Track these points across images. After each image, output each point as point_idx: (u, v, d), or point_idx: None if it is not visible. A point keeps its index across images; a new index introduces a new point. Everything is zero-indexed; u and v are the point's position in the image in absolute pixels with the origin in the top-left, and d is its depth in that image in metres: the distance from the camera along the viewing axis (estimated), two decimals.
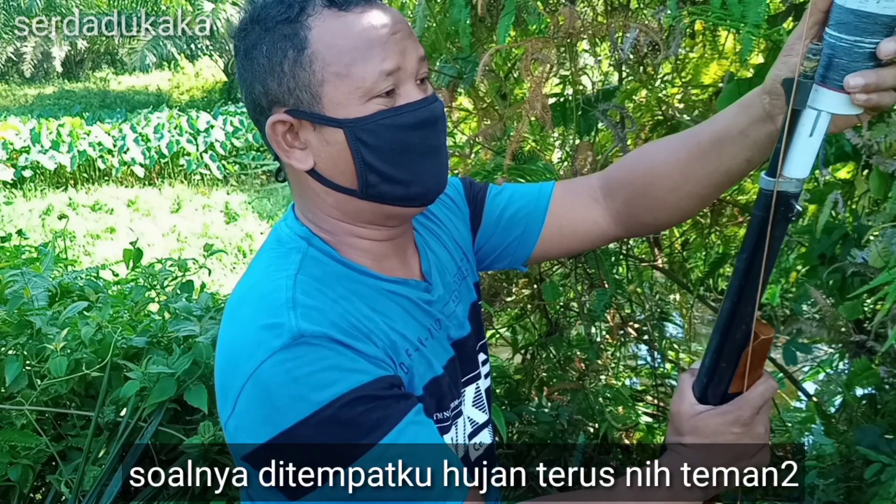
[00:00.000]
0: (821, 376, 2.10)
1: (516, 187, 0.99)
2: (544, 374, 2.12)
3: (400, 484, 0.66)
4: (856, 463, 1.45)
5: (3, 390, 1.74)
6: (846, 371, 1.78)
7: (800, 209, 0.62)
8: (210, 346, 1.65)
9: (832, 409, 1.81)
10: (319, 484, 0.67)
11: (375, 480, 0.66)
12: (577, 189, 0.96)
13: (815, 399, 1.90)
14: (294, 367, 0.67)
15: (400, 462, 0.66)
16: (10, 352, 1.75)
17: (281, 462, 0.68)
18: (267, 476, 0.70)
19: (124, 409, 1.71)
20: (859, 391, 1.66)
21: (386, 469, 0.66)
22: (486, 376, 0.94)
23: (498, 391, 2.07)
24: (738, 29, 1.07)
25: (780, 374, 2.10)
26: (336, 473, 0.66)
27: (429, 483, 0.67)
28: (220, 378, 0.73)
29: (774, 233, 0.63)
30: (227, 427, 0.72)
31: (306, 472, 0.67)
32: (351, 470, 0.66)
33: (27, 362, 1.74)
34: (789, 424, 2.05)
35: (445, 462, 0.70)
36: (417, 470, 0.67)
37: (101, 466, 1.65)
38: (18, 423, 1.70)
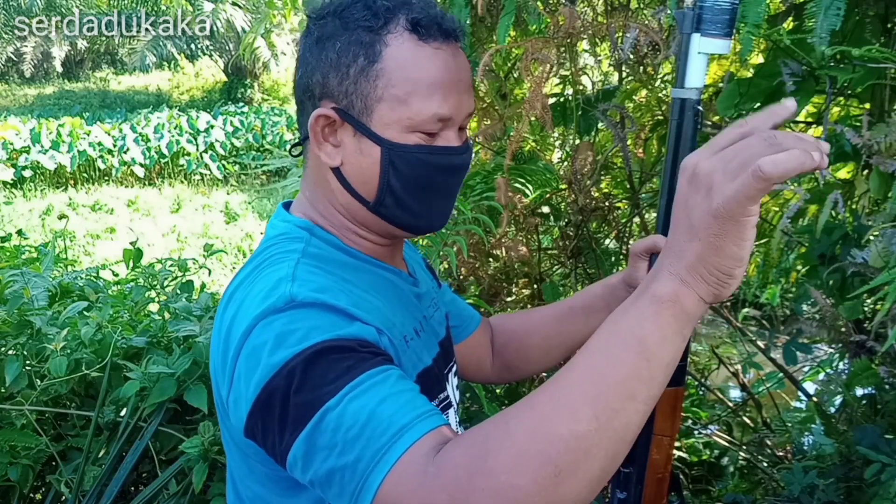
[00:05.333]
0: (821, 376, 2.10)
1: (454, 297, 1.12)
2: (544, 374, 2.12)
3: (359, 428, 0.62)
4: (856, 463, 1.45)
5: (3, 390, 1.74)
6: (846, 371, 1.78)
7: (702, 110, 0.80)
8: (210, 346, 1.65)
9: (832, 409, 1.81)
10: (296, 435, 0.64)
11: (339, 423, 0.62)
12: (485, 341, 1.13)
13: (815, 399, 1.90)
14: (279, 325, 0.67)
15: (362, 401, 0.63)
16: (10, 352, 1.75)
17: (266, 425, 0.66)
18: (264, 441, 0.68)
19: (124, 409, 1.71)
20: (859, 391, 1.66)
21: (348, 407, 0.62)
22: (456, 386, 0.97)
23: (498, 391, 2.07)
24: (738, 29, 1.07)
25: (780, 374, 2.10)
26: (308, 420, 0.63)
27: (386, 425, 0.62)
28: (222, 354, 0.73)
29: (689, 133, 0.80)
30: (229, 405, 0.72)
31: (283, 426, 0.65)
32: (320, 413, 0.63)
33: (27, 362, 1.74)
34: (789, 424, 2.05)
35: (412, 400, 0.65)
36: (377, 413, 0.62)
37: (101, 466, 1.65)
38: (18, 423, 1.70)
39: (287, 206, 0.89)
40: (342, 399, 0.63)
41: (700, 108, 0.80)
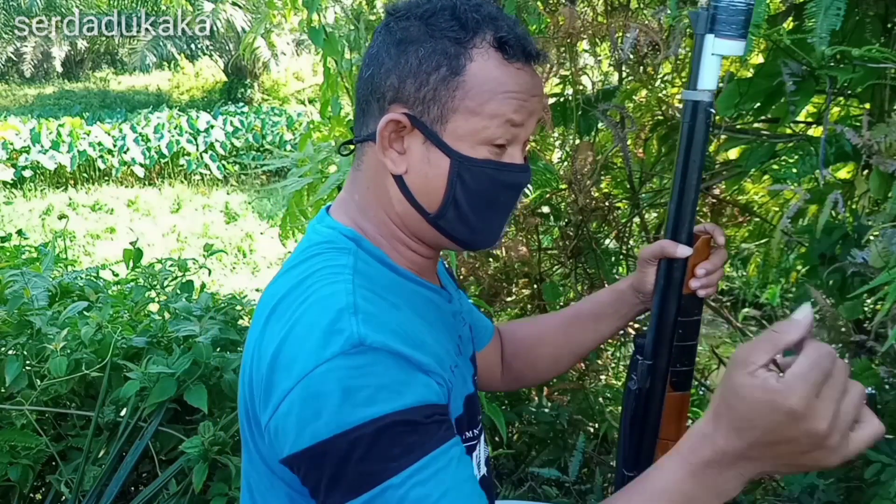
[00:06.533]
0: None
1: (471, 306, 1.11)
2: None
3: None
4: (856, 463, 1.45)
5: (3, 390, 1.74)
6: None
7: (714, 112, 0.79)
8: (210, 346, 1.65)
9: None
10: (349, 498, 0.65)
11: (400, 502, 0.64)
12: (497, 352, 1.13)
13: None
14: (347, 376, 0.65)
15: (426, 489, 0.65)
16: (10, 352, 1.75)
17: (314, 471, 0.67)
18: (305, 480, 0.69)
19: (124, 409, 1.71)
20: None
21: (412, 493, 0.64)
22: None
23: (498, 391, 2.07)
24: None
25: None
26: (366, 490, 0.65)
27: None
28: (266, 375, 0.71)
29: (701, 135, 0.80)
30: (268, 427, 0.71)
31: (336, 484, 0.66)
32: (381, 488, 0.64)
33: (27, 362, 1.74)
34: None
35: (470, 495, 0.68)
36: (442, 499, 0.65)
37: (101, 466, 1.65)
38: (18, 423, 1.70)
39: (329, 209, 0.86)
40: (407, 480, 0.64)
41: (713, 110, 0.79)
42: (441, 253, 0.93)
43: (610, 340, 2.12)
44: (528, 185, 0.84)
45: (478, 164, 0.76)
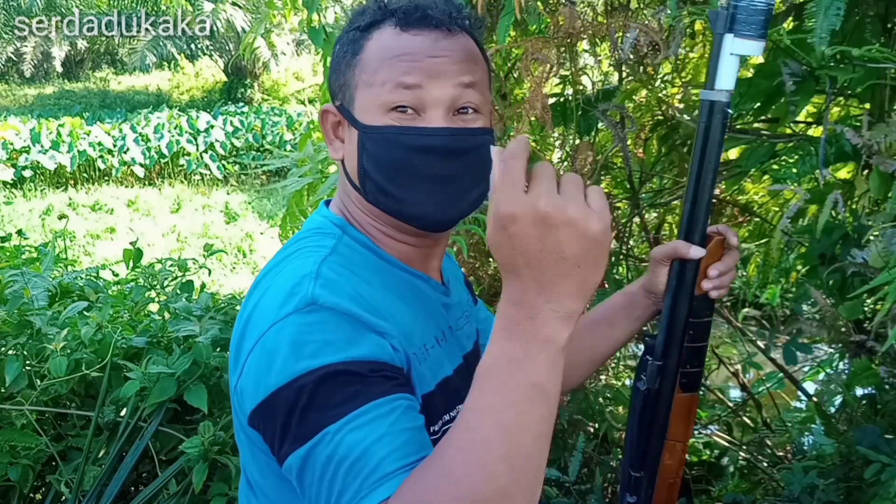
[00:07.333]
0: (821, 376, 2.11)
1: (489, 314, 1.10)
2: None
3: (350, 463, 0.63)
4: (856, 463, 1.45)
5: (3, 390, 1.74)
6: (846, 371, 1.78)
7: (731, 113, 0.78)
8: (210, 346, 1.65)
9: (832, 409, 1.81)
10: (295, 447, 0.66)
11: (334, 450, 0.64)
12: None
13: (815, 399, 1.90)
14: (297, 332, 0.68)
15: (361, 434, 0.64)
16: (10, 352, 1.75)
17: (270, 425, 0.68)
18: (265, 437, 0.70)
19: (124, 409, 1.71)
20: (859, 391, 1.66)
21: (347, 438, 0.63)
22: None
23: None
24: None
25: (780, 374, 2.10)
26: (309, 438, 0.65)
27: (372, 467, 0.63)
28: (237, 341, 0.75)
29: (717, 136, 0.79)
30: (236, 392, 0.74)
31: (285, 435, 0.67)
32: (320, 435, 0.64)
33: (27, 362, 1.74)
34: (789, 424, 2.05)
35: (408, 442, 0.65)
36: (370, 452, 0.63)
37: (101, 466, 1.65)
38: (18, 423, 1.70)
39: (329, 203, 0.91)
40: (343, 426, 0.64)
41: (730, 110, 0.78)
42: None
43: None
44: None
45: (377, 131, 0.77)
